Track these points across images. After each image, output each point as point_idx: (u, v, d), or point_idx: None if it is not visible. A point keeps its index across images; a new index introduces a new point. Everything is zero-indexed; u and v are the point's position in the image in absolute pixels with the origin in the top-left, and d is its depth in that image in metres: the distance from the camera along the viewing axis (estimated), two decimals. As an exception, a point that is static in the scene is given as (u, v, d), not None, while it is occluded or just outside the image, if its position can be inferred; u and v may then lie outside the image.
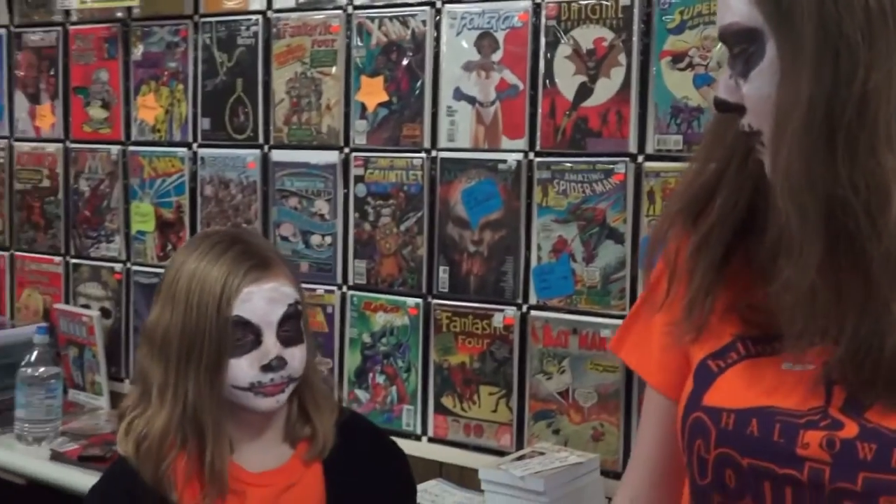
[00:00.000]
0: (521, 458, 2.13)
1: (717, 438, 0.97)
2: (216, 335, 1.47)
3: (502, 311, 2.30)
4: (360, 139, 2.52)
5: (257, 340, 1.50)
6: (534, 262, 2.26)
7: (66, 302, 3.15)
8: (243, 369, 1.49)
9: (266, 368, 1.50)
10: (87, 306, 3.09)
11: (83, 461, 2.46)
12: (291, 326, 1.53)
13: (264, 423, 1.57)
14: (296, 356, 1.53)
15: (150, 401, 1.52)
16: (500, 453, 2.27)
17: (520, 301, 2.29)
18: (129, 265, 3.00)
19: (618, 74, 2.18)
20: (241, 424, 1.55)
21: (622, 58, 2.18)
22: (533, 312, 2.27)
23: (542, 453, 2.16)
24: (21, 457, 2.59)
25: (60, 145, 3.13)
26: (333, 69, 2.56)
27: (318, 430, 1.58)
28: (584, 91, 2.22)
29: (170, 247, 2.89)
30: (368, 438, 1.65)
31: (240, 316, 1.48)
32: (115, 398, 2.93)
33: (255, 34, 2.69)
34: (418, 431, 2.45)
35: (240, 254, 1.51)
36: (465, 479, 2.35)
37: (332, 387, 2.17)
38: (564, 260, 2.22)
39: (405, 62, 2.45)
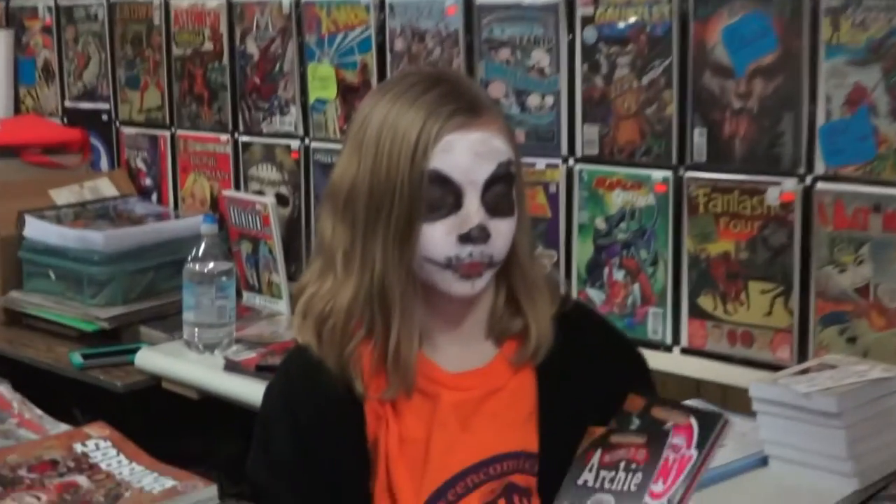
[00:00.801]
0: (804, 371, 2.03)
1: None
2: (408, 192, 1.44)
3: (778, 184, 2.22)
4: (586, -31, 2.46)
5: (457, 203, 1.46)
6: (821, 119, 2.17)
7: (237, 188, 3.19)
8: (438, 238, 1.46)
9: (464, 239, 1.46)
10: (260, 192, 3.13)
11: (261, 371, 2.46)
12: (501, 192, 1.48)
13: (462, 312, 1.55)
14: (502, 231, 1.48)
15: (334, 273, 1.50)
16: (776, 368, 2.17)
17: (802, 171, 2.20)
18: (307, 141, 3.02)
19: None
20: (434, 313, 1.53)
21: None
22: (820, 185, 2.19)
23: (833, 366, 2.04)
24: (191, 366, 2.63)
25: (223, 0, 3.16)
26: None
27: (532, 328, 1.55)
28: None
29: (355, 117, 2.86)
30: (598, 335, 1.65)
31: (437, 170, 1.45)
32: (297, 302, 2.88)
33: None
34: (668, 341, 2.41)
35: (443, 95, 1.47)
36: (730, 400, 2.27)
37: (557, 280, 2.11)
38: (863, 114, 2.11)
39: None
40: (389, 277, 1.46)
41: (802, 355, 2.22)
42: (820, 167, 2.17)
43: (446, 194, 1.45)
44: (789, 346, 2.24)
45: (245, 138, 3.16)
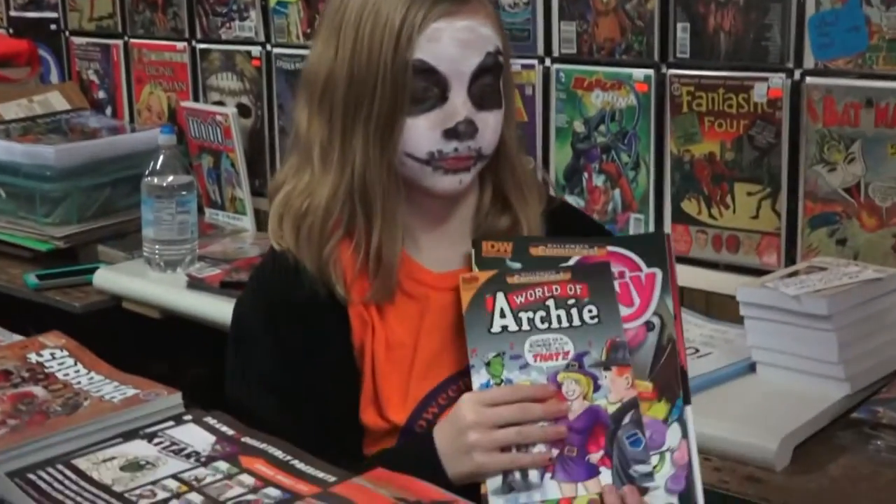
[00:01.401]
0: (793, 274, 2.03)
1: None
2: (390, 84, 1.42)
3: (766, 80, 2.21)
4: None
5: (442, 96, 1.45)
6: (810, 10, 2.14)
7: (195, 99, 3.18)
8: (421, 132, 1.45)
9: (450, 134, 1.45)
10: (220, 103, 3.11)
11: (226, 287, 2.46)
12: (488, 83, 1.47)
13: (446, 210, 1.55)
14: (489, 124, 1.47)
15: (312, 169, 1.49)
16: (764, 273, 2.17)
17: (790, 65, 2.19)
18: (269, 47, 2.99)
19: None
20: (418, 212, 1.53)
21: None
22: (809, 80, 2.17)
23: (822, 269, 2.05)
24: (152, 285, 2.63)
25: None
26: None
27: (522, 224, 1.55)
28: None
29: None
30: (587, 233, 1.62)
31: (422, 60, 1.43)
32: (262, 219, 2.91)
33: None
34: (651, 248, 2.36)
35: None
36: (715, 308, 2.29)
37: (544, 176, 2.18)
38: (854, 4, 2.09)
39: None
40: (370, 175, 1.45)
41: (791, 259, 2.22)
42: (809, 61, 2.15)
43: (431, 86, 1.44)
44: (777, 250, 2.24)
45: (203, 46, 3.13)
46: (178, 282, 2.58)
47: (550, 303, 1.41)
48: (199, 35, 3.14)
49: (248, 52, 3.03)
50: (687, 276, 2.31)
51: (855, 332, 1.90)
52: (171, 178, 2.65)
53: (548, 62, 2.49)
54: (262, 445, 1.19)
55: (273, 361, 1.48)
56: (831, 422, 1.82)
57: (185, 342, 2.62)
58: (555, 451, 1.35)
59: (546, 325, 1.40)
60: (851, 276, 1.97)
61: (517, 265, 1.45)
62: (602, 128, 2.43)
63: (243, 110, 3.05)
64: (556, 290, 1.41)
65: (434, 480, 1.23)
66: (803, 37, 2.15)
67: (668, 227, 2.36)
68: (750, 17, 2.20)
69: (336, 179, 1.46)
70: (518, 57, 2.48)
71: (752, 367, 1.97)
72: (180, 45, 3.18)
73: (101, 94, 3.42)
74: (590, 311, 1.41)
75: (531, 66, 2.50)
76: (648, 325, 1.42)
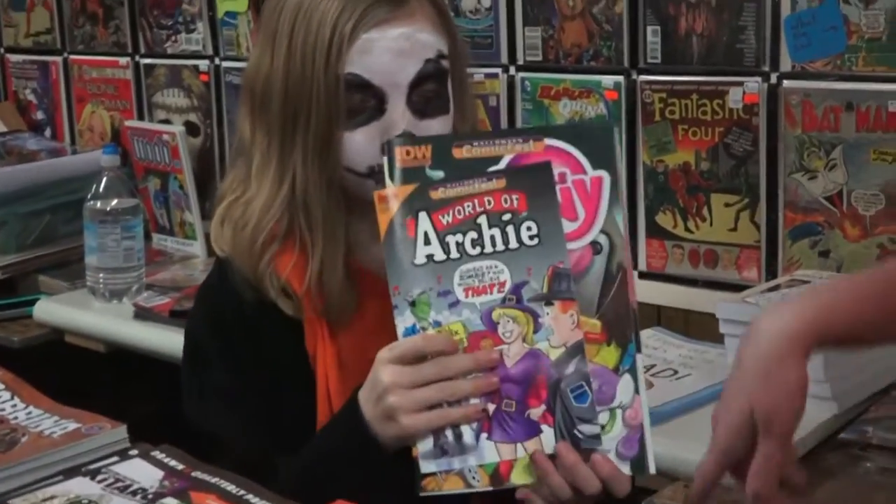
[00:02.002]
0: (774, 288, 2.05)
1: None
2: (324, 98, 1.42)
3: (741, 84, 2.22)
4: None
5: (380, 108, 1.45)
6: (786, 10, 2.16)
7: (140, 118, 3.17)
8: (360, 146, 1.44)
9: None
10: (167, 121, 3.11)
11: (176, 317, 2.43)
12: (431, 90, 1.46)
13: None
14: (432, 131, 1.46)
15: (253, 178, 1.50)
16: (743, 289, 2.17)
17: (766, 68, 2.20)
18: (218, 61, 2.99)
19: None
20: (364, 223, 1.49)
21: None
22: (786, 83, 2.18)
23: (805, 282, 2.06)
24: (97, 316, 2.61)
25: None
26: None
27: None
28: None
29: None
30: None
31: (355, 74, 1.43)
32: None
33: None
34: (625, 262, 2.36)
35: None
36: (693, 326, 2.28)
37: None
38: (831, 2, 2.10)
39: None
40: (311, 193, 1.45)
41: (771, 273, 2.22)
42: (786, 63, 2.17)
43: (367, 98, 1.43)
44: (757, 263, 2.25)
45: (147, 60, 3.14)
46: (125, 312, 2.56)
47: (482, 220, 1.29)
48: (142, 49, 3.14)
49: (196, 67, 3.02)
50: (664, 293, 2.34)
51: (841, 348, 1.89)
52: (115, 202, 2.63)
53: (512, 71, 2.50)
54: (214, 480, 1.16)
55: (229, 373, 1.49)
56: (818, 444, 1.81)
57: (133, 377, 2.60)
58: (491, 406, 1.28)
59: (478, 249, 1.29)
60: (836, 289, 1.97)
61: (439, 174, 1.32)
62: (571, 138, 2.43)
63: (191, 128, 3.04)
64: (489, 202, 1.30)
65: (366, 449, 1.22)
66: (779, 38, 2.17)
67: (641, 242, 2.37)
68: (723, 19, 2.22)
69: (272, 193, 1.46)
70: (481, 66, 2.50)
71: (734, 388, 1.96)
72: (123, 60, 3.18)
73: (40, 115, 3.40)
74: (528, 228, 1.29)
75: (495, 76, 2.51)
76: (595, 247, 1.29)
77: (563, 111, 2.43)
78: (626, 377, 1.29)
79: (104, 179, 2.64)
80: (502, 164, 1.31)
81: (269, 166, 1.47)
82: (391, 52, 1.43)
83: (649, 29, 2.31)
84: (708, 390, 1.95)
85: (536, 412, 1.28)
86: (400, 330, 1.30)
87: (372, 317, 1.49)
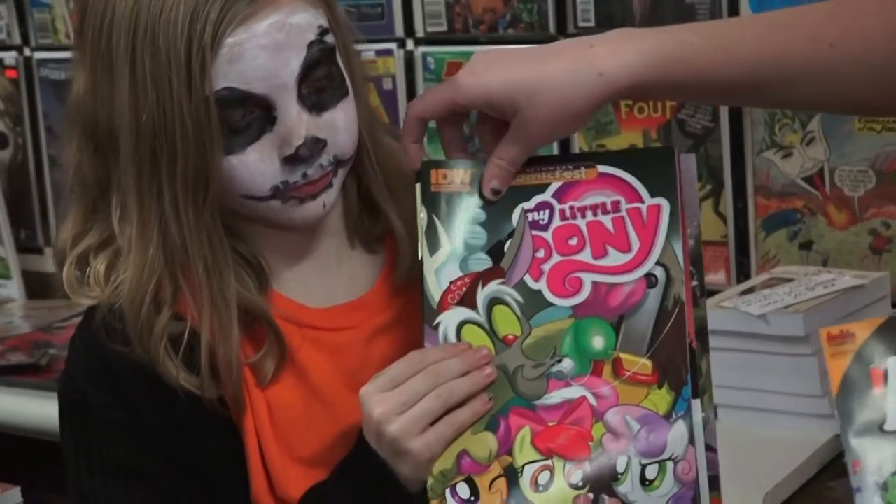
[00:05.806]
0: (749, 291, 2.13)
1: None
2: (192, 127, 1.43)
3: None
4: None
5: (269, 116, 1.47)
6: None
7: None
8: (255, 167, 1.47)
9: (292, 160, 1.47)
10: None
11: (5, 374, 2.50)
12: (323, 75, 1.49)
13: (308, 239, 1.58)
14: (339, 122, 1.49)
15: (106, 220, 1.51)
16: (713, 294, 2.22)
17: None
18: (28, 52, 2.99)
19: None
20: (272, 248, 1.56)
21: None
22: None
23: (788, 279, 2.15)
24: None
25: None
26: None
27: (397, 228, 1.57)
28: None
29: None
30: None
31: (231, 88, 1.44)
32: (33, 282, 2.94)
33: None
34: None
35: None
36: None
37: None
38: None
39: None
40: (189, 246, 1.47)
41: (744, 274, 2.30)
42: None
43: (249, 111, 1.46)
44: (725, 262, 2.31)
45: (-64, 57, 3.10)
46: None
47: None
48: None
49: (1, 61, 3.02)
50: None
51: (839, 355, 2.01)
52: None
53: (410, 45, 2.54)
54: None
55: (130, 439, 1.51)
56: (820, 469, 1.91)
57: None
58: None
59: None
60: (826, 286, 2.07)
61: (477, 200, 1.45)
62: (487, 125, 2.50)
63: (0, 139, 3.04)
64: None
65: (398, 496, 1.32)
66: (738, -4, 2.24)
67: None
68: (667, -28, 2.29)
69: (140, 254, 1.48)
70: (370, 41, 2.50)
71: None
72: None
73: None
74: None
75: (388, 52, 2.54)
76: (649, 280, 1.39)
77: (476, 91, 2.49)
78: (679, 424, 1.36)
79: None
80: (548, 193, 1.44)
81: (128, 222, 1.49)
82: (266, 50, 1.44)
83: (579, -13, 2.35)
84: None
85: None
86: None
87: (306, 353, 1.55)
